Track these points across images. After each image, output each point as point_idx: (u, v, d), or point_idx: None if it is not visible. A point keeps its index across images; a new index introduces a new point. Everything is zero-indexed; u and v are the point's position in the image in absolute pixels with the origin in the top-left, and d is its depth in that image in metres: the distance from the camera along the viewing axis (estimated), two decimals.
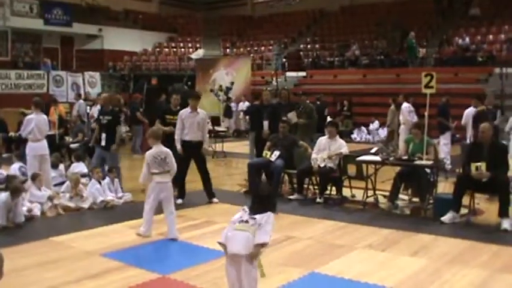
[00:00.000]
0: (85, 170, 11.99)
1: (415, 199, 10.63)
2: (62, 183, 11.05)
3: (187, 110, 10.69)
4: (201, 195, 10.86)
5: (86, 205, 10.14)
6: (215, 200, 10.81)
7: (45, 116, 11.66)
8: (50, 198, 9.89)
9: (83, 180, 11.25)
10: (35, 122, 11.06)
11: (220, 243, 5.10)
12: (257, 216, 4.98)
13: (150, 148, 8.33)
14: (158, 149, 8.21)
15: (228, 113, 25.72)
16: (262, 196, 5.22)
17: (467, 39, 26.50)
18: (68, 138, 15.72)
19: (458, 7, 29.97)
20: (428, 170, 10.18)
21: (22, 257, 7.22)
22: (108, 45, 34.03)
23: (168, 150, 8.34)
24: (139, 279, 6.38)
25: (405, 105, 16.05)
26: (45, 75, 27.36)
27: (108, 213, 9.88)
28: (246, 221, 4.99)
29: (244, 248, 4.89)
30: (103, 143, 11.39)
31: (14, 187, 8.88)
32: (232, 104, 26.30)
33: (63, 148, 15.01)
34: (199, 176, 10.90)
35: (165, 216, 8.29)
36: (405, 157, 10.28)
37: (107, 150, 11.35)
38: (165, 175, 8.16)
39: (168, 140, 11.03)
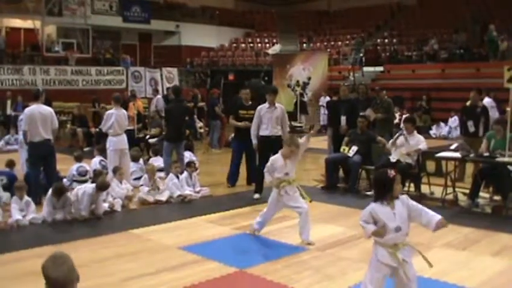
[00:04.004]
0: (162, 164, 12.19)
1: (497, 197, 10.33)
2: (142, 177, 11.24)
3: (265, 105, 10.69)
4: None
5: (163, 198, 10.26)
6: None
7: (124, 111, 11.93)
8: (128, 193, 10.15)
9: (161, 174, 11.44)
10: (115, 117, 11.34)
11: None
12: None
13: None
14: None
15: (303, 109, 25.58)
16: None
17: None
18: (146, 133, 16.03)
19: None
20: (510, 168, 9.86)
21: (102, 248, 7.41)
22: (186, 41, 34.54)
23: None
24: (217, 272, 6.42)
25: (486, 101, 15.62)
26: (124, 71, 28.08)
27: (185, 207, 9.96)
28: None
29: None
30: None
31: (101, 183, 9.11)
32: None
33: (141, 143, 15.32)
34: None
35: None
36: (486, 154, 10.01)
37: None
38: None
39: (244, 135, 11.13)
